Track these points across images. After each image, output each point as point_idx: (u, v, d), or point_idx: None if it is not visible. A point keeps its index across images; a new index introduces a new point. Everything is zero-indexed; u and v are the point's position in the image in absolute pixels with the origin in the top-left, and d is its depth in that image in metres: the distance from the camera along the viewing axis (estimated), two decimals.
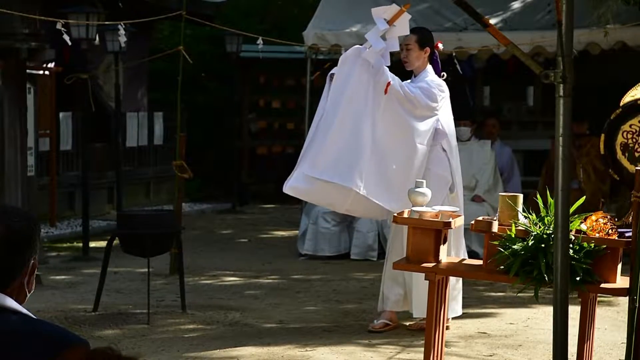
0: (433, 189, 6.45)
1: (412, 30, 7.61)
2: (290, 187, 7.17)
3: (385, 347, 7.01)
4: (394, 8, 7.24)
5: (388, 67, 7.22)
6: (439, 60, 7.65)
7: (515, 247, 5.38)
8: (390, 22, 7.15)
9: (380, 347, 7.01)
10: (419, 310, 7.28)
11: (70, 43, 9.20)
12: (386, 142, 7.20)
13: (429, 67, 7.52)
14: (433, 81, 7.42)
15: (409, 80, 7.56)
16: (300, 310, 8.33)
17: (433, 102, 7.35)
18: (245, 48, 16.17)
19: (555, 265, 4.55)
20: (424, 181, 6.32)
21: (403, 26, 7.21)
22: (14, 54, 10.00)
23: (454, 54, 11.19)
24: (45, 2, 10.93)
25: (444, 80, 7.54)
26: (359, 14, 11.77)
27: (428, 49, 7.49)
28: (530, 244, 5.35)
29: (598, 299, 6.05)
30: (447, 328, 6.97)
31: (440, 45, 7.72)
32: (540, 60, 11.33)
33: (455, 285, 7.46)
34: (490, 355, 6.82)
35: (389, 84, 7.13)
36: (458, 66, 10.95)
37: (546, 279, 5.26)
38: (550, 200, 5.23)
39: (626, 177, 5.53)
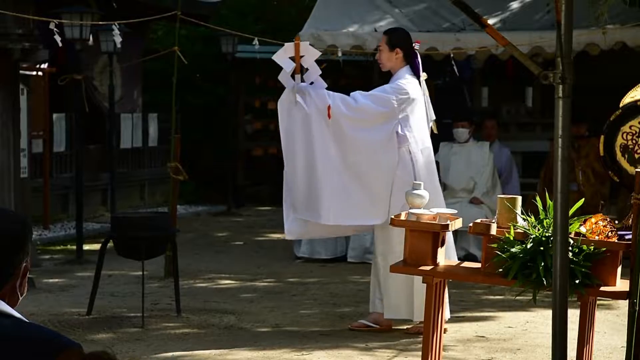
0: (399, 193, 6.50)
1: (385, 31, 7.63)
2: (288, 231, 7.42)
3: (382, 350, 6.96)
4: (290, 46, 7.26)
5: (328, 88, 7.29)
6: (419, 60, 7.54)
7: (513, 249, 5.33)
8: (296, 59, 7.19)
9: (377, 350, 6.95)
10: (389, 311, 7.37)
11: (60, 44, 9.12)
12: (344, 164, 7.27)
13: (405, 68, 7.46)
14: (395, 85, 7.36)
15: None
16: (296, 313, 8.28)
17: (384, 108, 7.29)
18: (241, 48, 16.12)
19: (554, 268, 4.49)
20: (422, 183, 6.27)
21: (310, 52, 7.25)
22: (7, 54, 9.94)
23: (452, 55, 11.13)
24: (39, 3, 10.87)
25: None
26: (355, 15, 11.74)
27: (399, 50, 7.44)
28: (529, 247, 5.30)
29: (597, 302, 6.01)
30: (445, 331, 6.92)
31: (416, 46, 7.60)
32: (539, 61, 11.26)
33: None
34: (489, 359, 6.76)
35: (329, 107, 7.14)
36: (455, 67, 10.89)
37: (545, 282, 5.21)
38: (549, 202, 5.17)
39: (626, 179, 5.47)
